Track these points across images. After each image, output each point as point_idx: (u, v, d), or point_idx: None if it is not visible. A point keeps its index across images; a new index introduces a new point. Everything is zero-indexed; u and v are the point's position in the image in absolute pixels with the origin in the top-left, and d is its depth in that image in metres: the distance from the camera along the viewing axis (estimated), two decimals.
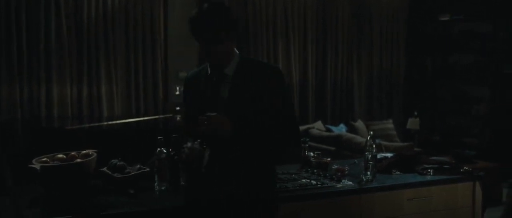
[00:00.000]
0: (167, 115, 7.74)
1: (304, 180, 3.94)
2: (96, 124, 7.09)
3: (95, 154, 3.59)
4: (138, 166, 3.78)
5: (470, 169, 4.54)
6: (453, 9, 9.48)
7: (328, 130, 8.39)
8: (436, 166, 4.48)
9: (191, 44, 8.04)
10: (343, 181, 3.97)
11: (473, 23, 9.36)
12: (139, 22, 7.89)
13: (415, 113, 9.00)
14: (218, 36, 2.93)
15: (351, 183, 3.96)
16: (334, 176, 4.03)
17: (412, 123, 9.00)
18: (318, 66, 9.40)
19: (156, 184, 3.62)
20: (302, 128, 8.17)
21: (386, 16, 9.87)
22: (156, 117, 7.72)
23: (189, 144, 3.06)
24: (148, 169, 3.75)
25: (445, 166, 4.53)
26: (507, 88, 8.88)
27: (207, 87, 3.07)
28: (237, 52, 3.08)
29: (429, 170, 4.37)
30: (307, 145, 4.42)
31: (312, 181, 3.92)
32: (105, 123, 7.20)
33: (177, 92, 8.00)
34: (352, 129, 8.61)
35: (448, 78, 9.80)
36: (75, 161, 3.51)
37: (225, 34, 2.94)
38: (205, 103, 3.03)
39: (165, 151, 3.62)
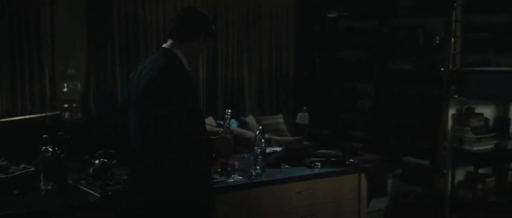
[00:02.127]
0: (55, 113, 7.54)
1: None
2: None
3: None
4: (23, 165, 3.67)
5: (356, 161, 4.68)
6: (339, 7, 9.71)
7: (219, 126, 8.41)
8: (324, 159, 4.59)
9: (79, 40, 7.88)
10: (233, 176, 4.01)
11: (359, 20, 9.63)
12: (23, 18, 7.62)
13: (304, 108, 9.15)
14: None
15: (241, 177, 4.00)
16: (224, 171, 4.05)
17: (301, 117, 9.15)
18: (208, 62, 9.41)
19: (41, 183, 3.52)
20: None
21: (276, 13, 10.00)
22: (42, 114, 7.49)
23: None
24: (33, 169, 3.65)
25: (332, 159, 4.65)
26: (391, 83, 9.18)
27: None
28: None
29: (316, 163, 4.47)
30: None
31: None
32: None
33: (65, 89, 7.82)
34: (243, 124, 8.67)
35: (336, 74, 10.02)
36: None
37: None
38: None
39: (50, 149, 3.53)
